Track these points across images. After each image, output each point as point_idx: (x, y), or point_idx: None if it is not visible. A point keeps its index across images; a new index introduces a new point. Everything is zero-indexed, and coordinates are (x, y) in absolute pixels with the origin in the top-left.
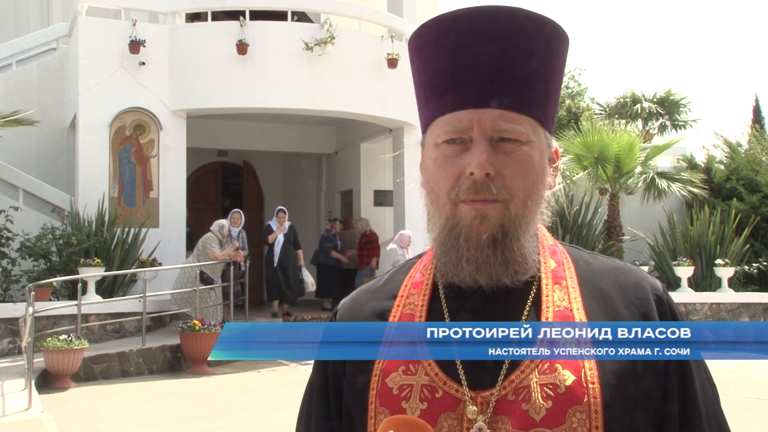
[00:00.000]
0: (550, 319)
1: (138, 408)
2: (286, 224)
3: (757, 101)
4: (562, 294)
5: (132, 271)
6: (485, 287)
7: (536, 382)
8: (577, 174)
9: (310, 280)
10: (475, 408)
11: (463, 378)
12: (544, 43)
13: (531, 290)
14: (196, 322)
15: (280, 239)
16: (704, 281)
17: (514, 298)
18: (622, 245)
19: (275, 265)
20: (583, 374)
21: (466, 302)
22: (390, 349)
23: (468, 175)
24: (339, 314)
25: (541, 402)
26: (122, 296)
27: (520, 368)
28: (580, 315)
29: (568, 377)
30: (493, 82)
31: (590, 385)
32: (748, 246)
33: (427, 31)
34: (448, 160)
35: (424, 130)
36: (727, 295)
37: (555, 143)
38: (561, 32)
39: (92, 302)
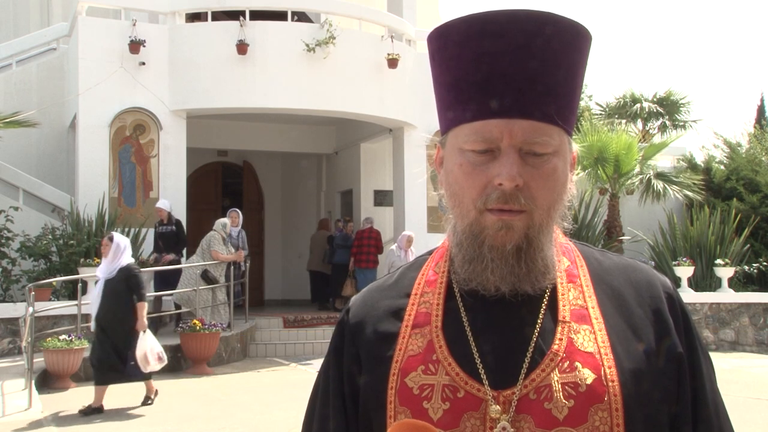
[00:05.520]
0: (566, 318)
1: (138, 408)
2: (117, 264)
3: (762, 101)
4: (576, 292)
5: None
6: (507, 295)
7: (557, 381)
8: (577, 174)
9: (142, 353)
10: (498, 407)
11: (484, 377)
12: (574, 49)
13: (546, 288)
14: (196, 322)
15: (98, 288)
16: (704, 281)
17: (530, 297)
18: (623, 245)
19: (92, 328)
20: (602, 373)
21: (482, 301)
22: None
23: (496, 185)
24: (351, 312)
25: (564, 401)
26: None
27: (541, 367)
28: (595, 313)
29: (589, 376)
30: (525, 92)
31: (610, 384)
32: (748, 246)
33: (452, 31)
34: (475, 168)
35: (446, 130)
36: (727, 295)
37: (576, 147)
38: (587, 35)
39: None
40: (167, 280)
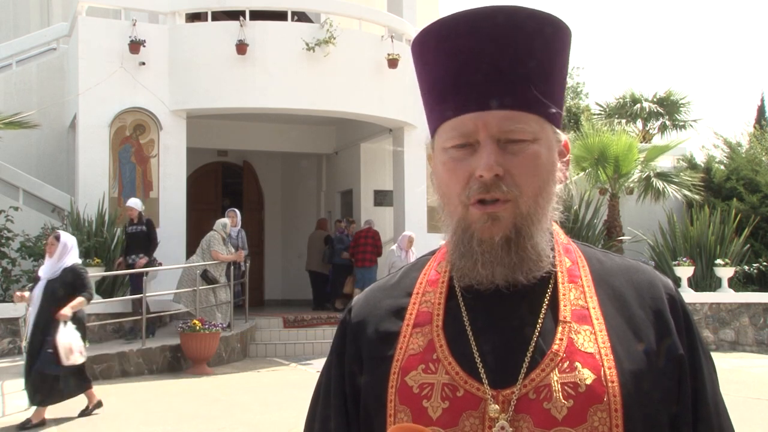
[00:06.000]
0: (567, 318)
1: (138, 408)
2: (62, 263)
3: (762, 101)
4: (578, 293)
5: (132, 271)
6: (502, 288)
7: (557, 381)
8: (577, 174)
9: (67, 343)
10: (497, 407)
11: (484, 376)
12: (545, 39)
13: (547, 288)
14: (196, 322)
15: (38, 288)
16: (704, 281)
17: (531, 297)
18: (623, 245)
19: (27, 333)
20: (602, 373)
21: (483, 301)
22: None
23: (477, 177)
24: (354, 312)
25: (563, 401)
26: (122, 296)
27: (540, 367)
28: (596, 314)
29: (588, 376)
30: (495, 84)
31: (610, 384)
32: (748, 246)
33: (428, 37)
34: (457, 163)
35: (433, 134)
36: (727, 295)
37: (564, 136)
38: (562, 26)
39: (92, 302)
40: (137, 284)
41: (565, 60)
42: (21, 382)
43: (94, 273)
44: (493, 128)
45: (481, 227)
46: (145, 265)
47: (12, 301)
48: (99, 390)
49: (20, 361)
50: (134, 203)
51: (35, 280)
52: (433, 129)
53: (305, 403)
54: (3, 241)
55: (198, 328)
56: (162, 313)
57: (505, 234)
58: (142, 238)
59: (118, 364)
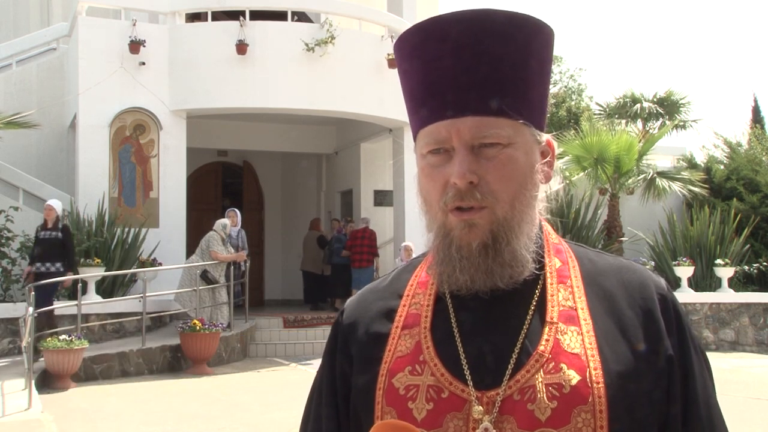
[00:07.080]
0: (554, 319)
1: (138, 408)
2: None
3: (755, 101)
4: (566, 293)
5: (132, 271)
6: (482, 293)
7: (541, 382)
8: (577, 174)
9: None
10: (481, 408)
11: (469, 378)
12: (521, 42)
13: (536, 289)
14: (196, 322)
15: None
16: (704, 281)
17: (519, 298)
18: (622, 245)
19: None
20: (588, 374)
21: (470, 302)
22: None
23: (452, 184)
24: (345, 314)
25: (547, 402)
26: (122, 296)
27: (526, 368)
28: (584, 314)
29: (573, 377)
30: (468, 90)
31: (595, 385)
32: (748, 246)
33: (405, 43)
34: (434, 169)
35: (415, 138)
36: (727, 295)
37: (546, 136)
38: (539, 27)
39: (92, 302)
40: (48, 293)
41: (545, 60)
42: (21, 382)
43: (95, 273)
44: (466, 135)
45: (459, 234)
46: (55, 275)
47: (12, 301)
48: (99, 390)
49: (21, 361)
50: (54, 204)
51: None
52: (414, 134)
53: (305, 403)
54: (3, 241)
55: (198, 328)
56: (162, 313)
57: (482, 240)
58: (55, 246)
59: (118, 364)
